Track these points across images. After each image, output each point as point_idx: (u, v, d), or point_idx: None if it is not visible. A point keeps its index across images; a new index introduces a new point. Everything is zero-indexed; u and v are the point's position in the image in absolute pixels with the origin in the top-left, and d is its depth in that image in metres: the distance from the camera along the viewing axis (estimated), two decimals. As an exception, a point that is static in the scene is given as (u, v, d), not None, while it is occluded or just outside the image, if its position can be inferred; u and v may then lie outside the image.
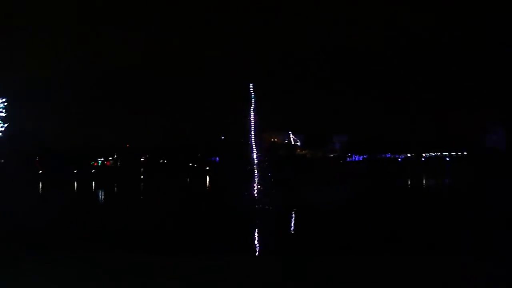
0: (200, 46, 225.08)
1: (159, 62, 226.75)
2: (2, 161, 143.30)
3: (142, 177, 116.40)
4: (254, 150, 35.72)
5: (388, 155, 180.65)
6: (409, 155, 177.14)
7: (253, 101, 36.16)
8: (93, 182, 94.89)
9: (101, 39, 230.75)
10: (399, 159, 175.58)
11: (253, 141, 35.85)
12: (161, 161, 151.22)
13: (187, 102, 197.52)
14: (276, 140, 74.35)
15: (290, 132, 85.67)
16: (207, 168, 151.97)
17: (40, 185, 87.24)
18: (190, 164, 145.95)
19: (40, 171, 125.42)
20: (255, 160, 35.57)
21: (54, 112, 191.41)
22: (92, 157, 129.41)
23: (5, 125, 19.58)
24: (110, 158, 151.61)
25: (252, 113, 36.13)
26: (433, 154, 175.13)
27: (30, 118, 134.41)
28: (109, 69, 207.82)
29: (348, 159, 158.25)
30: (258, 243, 26.77)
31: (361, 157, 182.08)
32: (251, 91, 36.15)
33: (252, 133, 35.96)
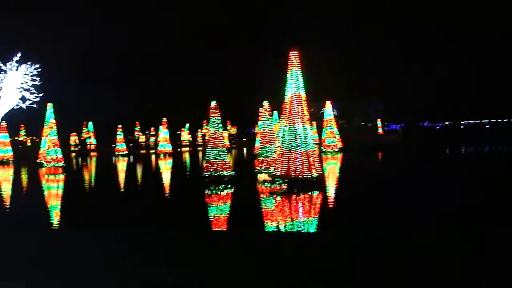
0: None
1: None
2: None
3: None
4: (297, 121, 34.86)
5: (426, 124, 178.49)
6: (446, 122, 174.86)
7: (297, 69, 35.30)
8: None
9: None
10: (437, 127, 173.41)
11: (296, 111, 34.98)
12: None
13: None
14: (312, 109, 72.77)
15: (328, 102, 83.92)
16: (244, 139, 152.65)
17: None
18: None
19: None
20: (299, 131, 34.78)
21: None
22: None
23: (40, 95, 18.88)
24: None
25: (294, 82, 35.26)
26: (472, 121, 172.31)
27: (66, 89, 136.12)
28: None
29: (385, 128, 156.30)
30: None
31: (398, 126, 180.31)
32: (294, 58, 35.33)
33: (295, 103, 35.10)
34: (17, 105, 15.15)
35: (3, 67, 14.72)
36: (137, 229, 21.66)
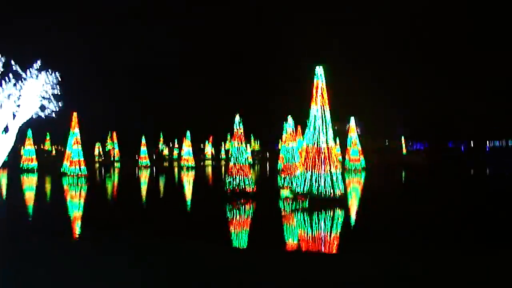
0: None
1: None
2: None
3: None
4: (322, 138, 34.58)
5: (450, 144, 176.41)
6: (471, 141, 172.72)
7: (322, 85, 35.09)
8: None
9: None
10: (462, 149, 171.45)
11: (320, 127, 34.70)
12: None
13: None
14: (336, 127, 72.40)
15: (352, 118, 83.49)
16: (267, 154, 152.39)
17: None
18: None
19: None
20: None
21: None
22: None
23: (60, 104, 18.53)
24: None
25: (320, 98, 35.05)
26: (498, 142, 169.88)
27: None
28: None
29: (409, 148, 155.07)
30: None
31: (422, 145, 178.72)
32: (320, 74, 35.16)
33: (320, 119, 34.85)
34: (36, 114, 15.02)
35: (23, 75, 14.63)
36: (153, 242, 21.45)
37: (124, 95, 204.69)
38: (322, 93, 35.13)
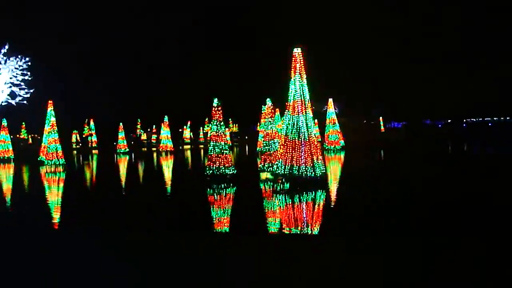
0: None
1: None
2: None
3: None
4: (301, 119, 34.43)
5: (427, 121, 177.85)
6: (449, 120, 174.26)
7: (300, 66, 34.88)
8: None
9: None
10: (439, 126, 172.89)
11: (299, 109, 34.53)
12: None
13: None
14: (314, 107, 72.35)
15: (330, 99, 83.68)
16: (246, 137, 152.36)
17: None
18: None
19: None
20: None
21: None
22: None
23: (31, 90, 17.80)
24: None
25: (298, 79, 34.83)
26: (475, 119, 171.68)
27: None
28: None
29: (387, 125, 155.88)
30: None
31: (400, 124, 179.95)
32: (298, 55, 34.94)
33: (299, 100, 34.66)
34: (6, 102, 14.49)
35: None
36: (135, 231, 21.23)
37: (101, 81, 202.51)
38: (300, 74, 34.92)
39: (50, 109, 65.38)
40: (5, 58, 14.06)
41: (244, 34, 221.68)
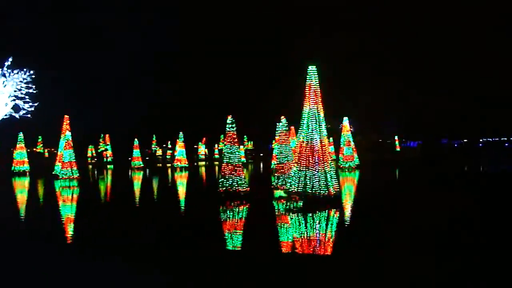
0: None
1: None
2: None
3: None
4: (315, 136, 34.28)
5: (444, 141, 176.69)
6: (465, 140, 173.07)
7: (315, 84, 34.82)
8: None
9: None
10: (455, 145, 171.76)
11: (314, 127, 34.41)
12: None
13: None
14: (329, 126, 72.06)
15: (346, 118, 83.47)
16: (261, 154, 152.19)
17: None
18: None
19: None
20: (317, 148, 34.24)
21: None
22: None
23: (35, 104, 17.63)
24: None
25: (312, 97, 34.76)
26: (491, 139, 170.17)
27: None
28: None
29: (403, 145, 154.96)
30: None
31: (416, 143, 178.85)
32: (313, 73, 34.90)
33: (313, 118, 34.56)
34: (9, 115, 14.40)
35: None
36: (146, 249, 21.11)
37: (118, 96, 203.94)
38: (315, 92, 34.84)
39: (65, 124, 65.90)
40: (9, 71, 13.98)
41: (260, 52, 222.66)
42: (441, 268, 16.29)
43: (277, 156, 47.06)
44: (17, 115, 14.38)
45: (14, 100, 14.16)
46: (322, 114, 34.97)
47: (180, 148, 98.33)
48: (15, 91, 14.06)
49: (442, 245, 20.71)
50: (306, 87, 35.06)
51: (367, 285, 14.27)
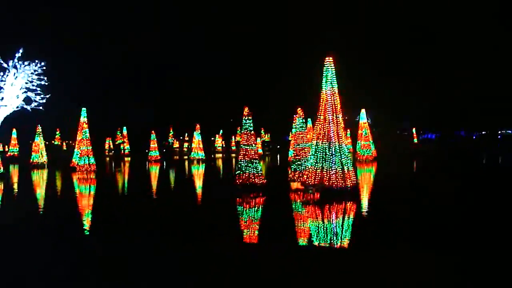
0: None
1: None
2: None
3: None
4: (332, 128, 34.07)
5: (462, 133, 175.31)
6: (483, 132, 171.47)
7: (331, 75, 34.58)
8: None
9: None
10: (474, 137, 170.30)
11: (331, 118, 34.20)
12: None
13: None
14: (346, 117, 71.76)
15: (363, 110, 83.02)
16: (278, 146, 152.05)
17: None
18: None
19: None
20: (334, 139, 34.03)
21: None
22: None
23: (47, 96, 17.31)
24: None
25: (329, 88, 34.51)
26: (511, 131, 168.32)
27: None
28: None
29: (420, 137, 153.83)
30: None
31: (433, 135, 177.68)
32: (329, 64, 34.65)
33: (330, 110, 34.33)
34: (21, 107, 14.30)
35: (4, 65, 13.82)
36: (161, 240, 21.08)
37: (135, 89, 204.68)
38: (332, 83, 34.59)
39: (83, 115, 66.25)
40: (20, 62, 13.86)
41: (277, 42, 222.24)
42: (455, 263, 16.08)
43: (293, 148, 46.96)
44: (28, 107, 14.28)
45: (25, 92, 14.05)
46: (339, 106, 34.74)
47: (197, 140, 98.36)
48: (26, 83, 13.95)
49: (458, 239, 20.48)
50: (323, 78, 34.82)
51: (383, 279, 14.09)
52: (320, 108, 34.89)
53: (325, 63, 34.76)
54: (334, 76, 34.64)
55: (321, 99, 34.84)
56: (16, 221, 26.18)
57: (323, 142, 34.18)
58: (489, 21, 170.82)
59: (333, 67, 34.69)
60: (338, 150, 33.99)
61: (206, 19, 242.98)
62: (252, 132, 39.17)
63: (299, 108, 45.96)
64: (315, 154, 34.58)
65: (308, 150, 41.94)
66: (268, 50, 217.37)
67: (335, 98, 34.56)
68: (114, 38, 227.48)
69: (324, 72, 34.77)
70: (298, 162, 43.59)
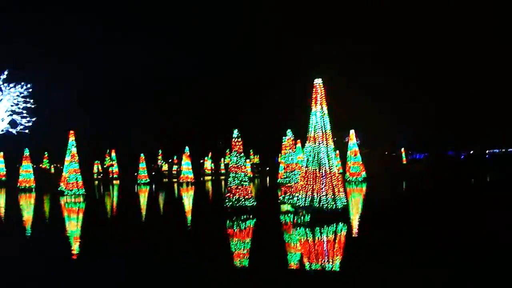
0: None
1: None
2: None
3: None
4: (322, 149, 33.96)
5: (450, 153, 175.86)
6: (471, 152, 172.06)
7: (320, 97, 34.55)
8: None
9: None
10: (462, 157, 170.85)
11: (320, 140, 34.09)
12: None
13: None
14: (335, 139, 71.69)
15: (352, 131, 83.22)
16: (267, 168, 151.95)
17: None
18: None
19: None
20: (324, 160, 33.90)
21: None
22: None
23: (33, 119, 17.04)
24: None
25: (319, 110, 34.47)
26: (498, 150, 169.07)
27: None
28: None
29: (409, 157, 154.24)
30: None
31: (422, 155, 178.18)
32: (319, 86, 34.65)
33: (319, 131, 34.25)
34: (6, 130, 14.03)
35: None
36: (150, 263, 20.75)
37: (123, 112, 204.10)
38: (321, 105, 34.55)
39: (71, 139, 65.81)
40: (5, 85, 13.64)
41: (265, 65, 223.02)
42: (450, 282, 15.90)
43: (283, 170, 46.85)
44: (14, 131, 13.99)
45: (11, 115, 13.78)
46: (328, 127, 34.66)
47: (186, 163, 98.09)
48: (12, 105, 13.68)
49: (453, 259, 20.31)
50: (312, 100, 34.79)
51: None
52: (310, 129, 34.76)
53: (314, 84, 34.74)
54: (324, 97, 34.61)
55: (311, 120, 34.74)
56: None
57: (313, 164, 34.02)
58: (474, 38, 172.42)
59: (322, 88, 34.68)
60: (328, 171, 33.84)
61: (194, 40, 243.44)
62: (242, 152, 39.02)
63: (289, 130, 46.04)
64: (305, 176, 34.40)
65: (299, 167, 41.91)
66: (258, 72, 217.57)
67: (325, 119, 34.48)
68: (101, 59, 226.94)
69: (313, 93, 34.74)
70: (288, 183, 43.43)
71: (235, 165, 38.42)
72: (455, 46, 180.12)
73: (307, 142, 35.35)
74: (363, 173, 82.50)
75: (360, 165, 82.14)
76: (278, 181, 72.04)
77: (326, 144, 34.24)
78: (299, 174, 37.33)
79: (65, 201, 55.68)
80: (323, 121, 34.44)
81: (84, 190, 63.67)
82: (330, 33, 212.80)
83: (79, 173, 63.96)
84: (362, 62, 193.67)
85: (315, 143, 34.30)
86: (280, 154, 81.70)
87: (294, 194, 37.76)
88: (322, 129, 34.30)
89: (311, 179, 33.89)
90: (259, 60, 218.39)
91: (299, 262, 21.72)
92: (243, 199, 37.54)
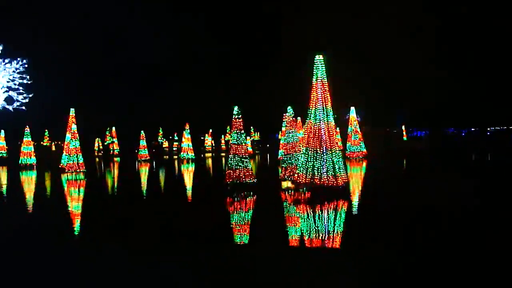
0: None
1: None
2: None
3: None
4: (322, 126, 33.88)
5: (451, 130, 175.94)
6: (472, 129, 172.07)
7: (321, 74, 34.40)
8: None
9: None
10: (463, 134, 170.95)
11: (321, 117, 34.01)
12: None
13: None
14: (336, 116, 71.45)
15: (352, 108, 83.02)
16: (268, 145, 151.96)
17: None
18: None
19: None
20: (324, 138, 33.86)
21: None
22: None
23: (30, 95, 16.72)
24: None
25: (319, 87, 34.32)
26: (499, 128, 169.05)
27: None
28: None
29: (410, 134, 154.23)
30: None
31: (423, 132, 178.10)
32: (320, 63, 34.47)
33: (320, 108, 34.13)
34: (2, 107, 13.93)
35: None
36: (150, 242, 20.87)
37: (123, 89, 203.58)
38: (322, 82, 34.43)
39: (71, 117, 65.60)
40: (0, 60, 13.44)
41: (266, 41, 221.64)
42: (448, 261, 15.98)
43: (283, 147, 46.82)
44: (10, 108, 13.88)
45: (7, 91, 13.65)
46: (329, 104, 34.57)
47: (186, 140, 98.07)
48: (7, 81, 13.53)
49: (449, 237, 20.40)
50: (313, 77, 34.66)
51: (374, 279, 13.97)
52: (311, 106, 34.68)
53: (315, 62, 34.57)
54: (324, 73, 34.48)
55: (311, 98, 34.64)
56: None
57: (314, 140, 34.01)
58: (477, 20, 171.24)
59: (323, 65, 34.53)
60: (328, 148, 33.84)
61: (194, 18, 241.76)
62: (242, 129, 38.96)
63: (290, 107, 45.91)
64: (306, 153, 34.42)
65: (299, 148, 41.91)
66: (259, 47, 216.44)
67: (325, 96, 34.39)
68: (103, 37, 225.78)
69: (314, 70, 34.60)
70: (288, 159, 43.42)
71: (236, 143, 38.40)
72: (458, 18, 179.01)
73: (307, 118, 35.31)
74: (363, 150, 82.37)
75: (360, 143, 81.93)
76: (278, 157, 72.00)
77: (327, 121, 34.17)
78: (300, 151, 37.36)
79: (66, 177, 55.79)
80: (324, 98, 34.32)
81: (85, 168, 63.67)
82: (331, 7, 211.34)
83: (80, 152, 63.78)
84: (364, 36, 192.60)
85: (315, 120, 34.24)
86: (280, 131, 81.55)
87: (294, 171, 37.85)
88: (322, 106, 34.20)
89: (312, 156, 33.90)
90: (262, 35, 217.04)
91: (298, 238, 21.82)
92: (243, 176, 37.59)
